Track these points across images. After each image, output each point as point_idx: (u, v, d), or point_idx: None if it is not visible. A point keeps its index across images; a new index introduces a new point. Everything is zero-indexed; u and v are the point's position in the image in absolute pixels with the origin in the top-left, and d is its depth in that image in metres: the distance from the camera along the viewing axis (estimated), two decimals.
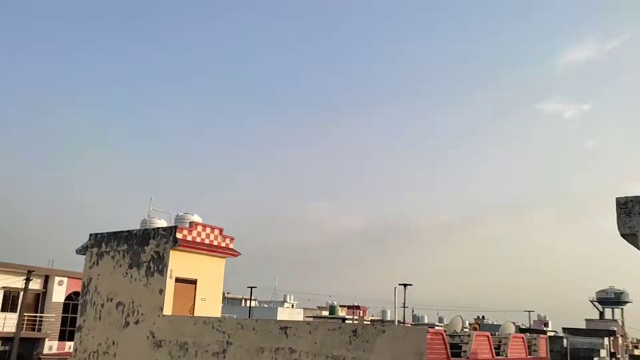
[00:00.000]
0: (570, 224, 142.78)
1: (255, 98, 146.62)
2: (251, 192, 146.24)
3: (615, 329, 60.77)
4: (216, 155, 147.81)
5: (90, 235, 20.95)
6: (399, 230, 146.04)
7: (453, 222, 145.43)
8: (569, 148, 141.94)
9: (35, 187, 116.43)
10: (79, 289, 26.15)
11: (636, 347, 76.92)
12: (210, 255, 19.78)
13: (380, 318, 67.67)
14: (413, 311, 66.60)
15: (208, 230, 19.66)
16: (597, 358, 62.58)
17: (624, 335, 46.95)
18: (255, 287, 45.66)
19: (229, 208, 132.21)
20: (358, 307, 71.47)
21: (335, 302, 68.06)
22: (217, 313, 19.85)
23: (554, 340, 55.63)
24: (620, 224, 6.75)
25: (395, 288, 21.24)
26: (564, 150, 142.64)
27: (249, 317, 36.33)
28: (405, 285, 33.82)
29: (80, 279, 23.19)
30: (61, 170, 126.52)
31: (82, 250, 20.97)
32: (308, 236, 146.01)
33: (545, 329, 45.81)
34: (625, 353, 51.13)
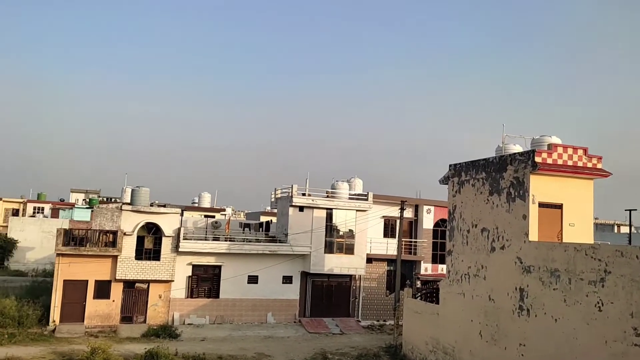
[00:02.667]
0: None
1: None
2: (612, 102, 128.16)
3: None
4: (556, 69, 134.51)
5: (450, 165, 22.06)
6: None
7: None
8: None
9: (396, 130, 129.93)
10: (445, 216, 28.09)
11: None
12: (575, 177, 18.29)
13: None
14: None
15: (570, 151, 18.14)
16: None
17: None
18: (635, 209, 39.56)
19: (588, 125, 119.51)
20: None
21: None
22: (588, 239, 18.37)
23: None
24: None
25: None
26: None
27: (630, 244, 32.46)
28: None
29: (445, 207, 24.85)
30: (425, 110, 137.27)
31: (444, 180, 22.34)
32: None
33: None
34: None
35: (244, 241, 31.56)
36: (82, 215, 50.64)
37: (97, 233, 27.72)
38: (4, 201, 57.35)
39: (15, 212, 56.58)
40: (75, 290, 27.13)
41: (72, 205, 59.75)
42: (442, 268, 33.83)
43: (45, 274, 39.62)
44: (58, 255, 27.14)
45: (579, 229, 18.40)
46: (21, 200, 58.99)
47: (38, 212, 56.45)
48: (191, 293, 29.66)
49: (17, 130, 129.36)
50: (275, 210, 37.07)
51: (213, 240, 30.97)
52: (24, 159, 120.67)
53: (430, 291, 24.90)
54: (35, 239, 47.08)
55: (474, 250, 20.02)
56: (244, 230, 37.10)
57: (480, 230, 19.74)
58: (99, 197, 71.57)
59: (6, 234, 48.04)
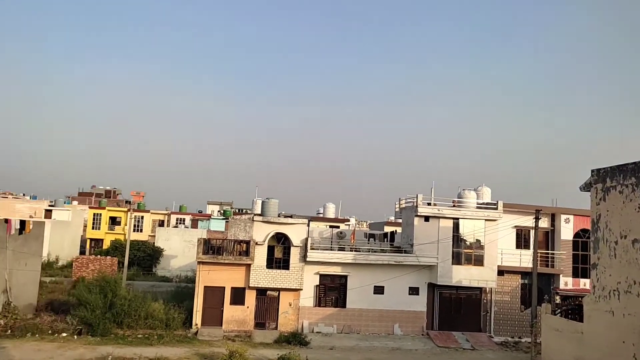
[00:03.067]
0: None
1: None
2: None
3: None
4: None
5: (592, 171, 20.22)
6: None
7: None
8: None
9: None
10: (586, 226, 25.85)
11: None
12: None
13: None
14: None
15: None
16: None
17: None
18: None
19: None
20: None
21: None
22: None
23: None
24: None
25: None
26: None
27: None
28: None
29: (586, 216, 22.84)
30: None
31: (586, 187, 20.53)
32: None
33: None
34: None
35: (369, 251, 31.59)
36: (218, 225, 54.41)
37: (232, 243, 29.47)
38: (152, 213, 63.41)
39: (161, 223, 62.24)
40: (214, 296, 29.03)
41: (208, 217, 64.38)
42: (585, 283, 31.08)
43: (187, 280, 42.89)
44: (199, 263, 29.25)
45: None
46: (166, 212, 64.76)
47: (180, 223, 61.54)
48: (319, 302, 30.30)
49: (159, 148, 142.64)
50: (399, 220, 36.67)
51: (339, 250, 31.41)
52: (167, 174, 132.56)
53: (571, 307, 22.95)
54: (178, 248, 51.29)
55: (624, 263, 18.08)
56: (368, 240, 37.18)
57: (632, 242, 17.79)
58: (232, 208, 76.29)
59: (154, 242, 53.00)
